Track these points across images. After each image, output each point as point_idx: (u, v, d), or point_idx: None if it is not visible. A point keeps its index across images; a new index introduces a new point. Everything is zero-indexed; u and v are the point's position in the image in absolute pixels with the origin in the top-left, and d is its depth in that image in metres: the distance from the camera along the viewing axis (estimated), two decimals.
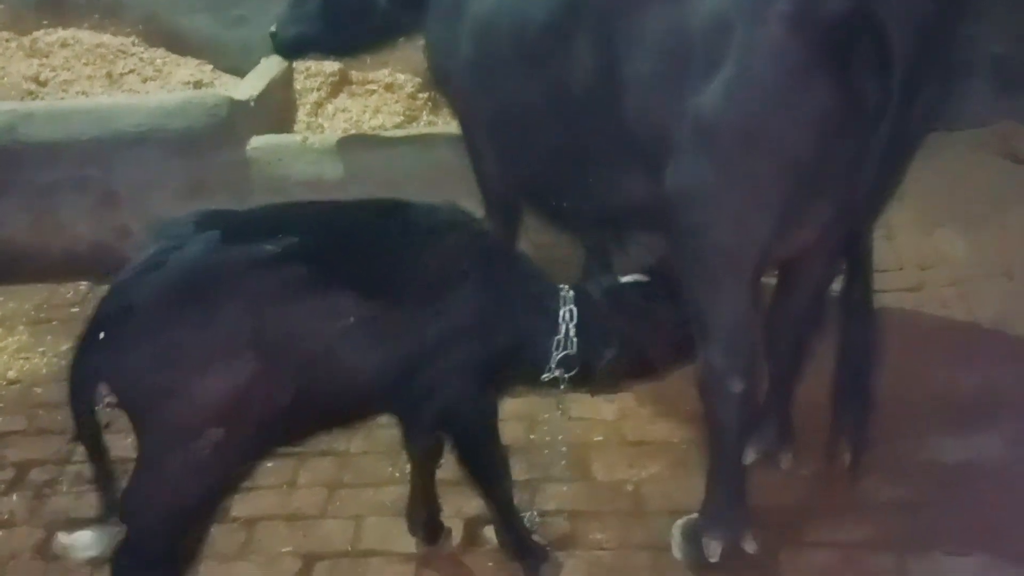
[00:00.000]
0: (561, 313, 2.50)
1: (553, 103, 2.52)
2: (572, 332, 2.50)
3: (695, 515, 2.68)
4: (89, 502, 3.06)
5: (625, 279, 2.60)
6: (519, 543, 2.66)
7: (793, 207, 2.26)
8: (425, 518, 2.77)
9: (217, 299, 2.15)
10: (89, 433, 2.20)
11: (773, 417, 2.93)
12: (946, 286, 3.76)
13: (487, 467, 2.56)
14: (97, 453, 2.23)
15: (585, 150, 2.53)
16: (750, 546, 2.61)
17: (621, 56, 2.29)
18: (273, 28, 4.00)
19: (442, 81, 3.25)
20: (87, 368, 2.15)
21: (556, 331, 2.50)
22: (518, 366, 2.55)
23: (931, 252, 3.98)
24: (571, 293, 2.53)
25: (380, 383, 2.34)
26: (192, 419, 2.12)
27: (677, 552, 2.68)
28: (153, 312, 2.12)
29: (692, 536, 2.64)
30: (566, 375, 2.55)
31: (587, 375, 2.58)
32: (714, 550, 2.59)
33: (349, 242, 2.34)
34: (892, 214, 3.76)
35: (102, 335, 2.13)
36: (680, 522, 2.70)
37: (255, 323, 2.14)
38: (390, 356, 2.31)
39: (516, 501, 2.65)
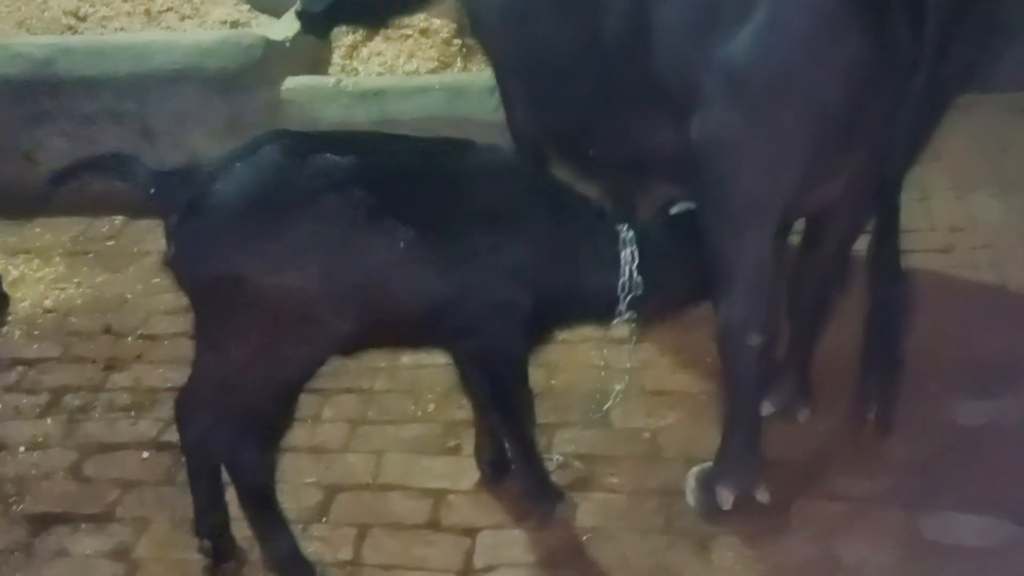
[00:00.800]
0: (623, 255, 2.53)
1: (583, 48, 2.51)
2: (636, 274, 2.52)
3: (710, 463, 2.72)
4: (121, 427, 3.20)
5: (675, 210, 2.61)
6: (536, 484, 2.72)
7: (821, 158, 2.26)
8: (491, 454, 2.84)
9: (303, 203, 2.24)
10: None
11: (792, 372, 2.94)
12: (977, 249, 3.72)
13: (514, 409, 2.61)
14: None
15: (614, 97, 2.52)
16: (762, 496, 2.65)
17: (650, 2, 2.29)
18: (298, 6, 3.65)
19: (475, 25, 3.24)
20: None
21: (619, 275, 2.52)
22: (581, 312, 2.60)
23: (964, 216, 3.94)
24: (631, 233, 2.55)
25: (428, 310, 2.39)
26: (270, 305, 2.22)
27: (691, 499, 2.72)
28: (245, 201, 2.23)
29: (706, 484, 2.68)
30: (636, 315, 2.59)
31: (655, 312, 2.63)
32: (726, 498, 2.63)
33: (418, 171, 2.41)
34: (927, 176, 3.79)
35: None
36: (695, 469, 2.74)
37: (332, 230, 2.24)
38: (442, 285, 2.37)
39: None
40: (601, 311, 2.60)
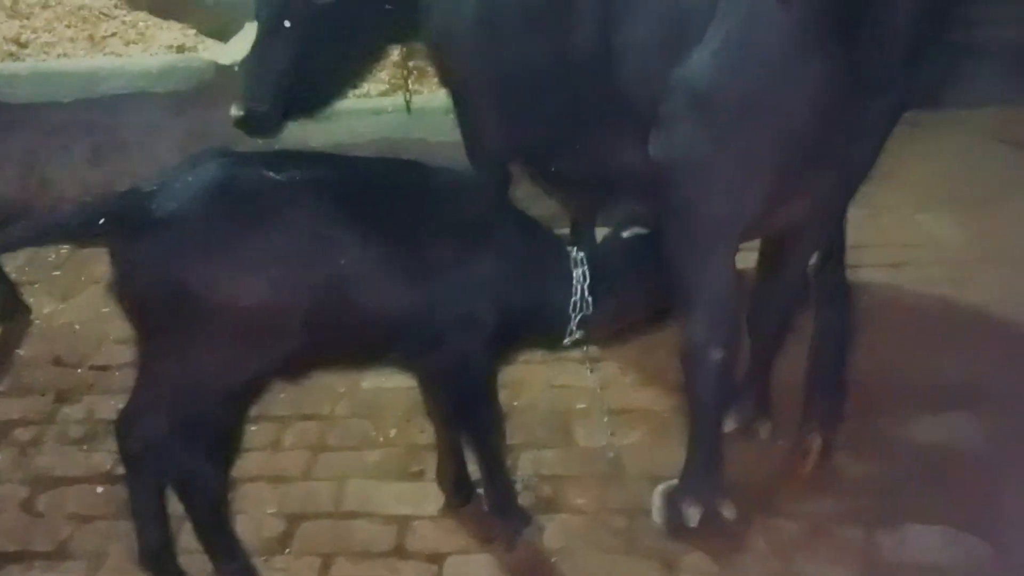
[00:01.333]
0: (575, 275, 2.55)
1: (552, 65, 2.52)
2: (587, 294, 2.55)
3: (675, 481, 2.72)
4: (74, 460, 3.12)
5: (626, 233, 2.65)
6: (504, 505, 2.71)
7: (785, 178, 2.28)
8: (454, 479, 2.82)
9: (257, 211, 2.22)
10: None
11: (752, 390, 2.97)
12: (930, 265, 3.78)
13: (481, 427, 2.60)
14: None
15: (581, 114, 2.54)
16: (729, 512, 2.65)
17: (617, 20, 2.30)
18: (238, 111, 3.21)
19: (442, 43, 3.14)
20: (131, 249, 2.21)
21: (572, 295, 2.55)
22: (537, 332, 2.61)
23: (917, 232, 4.01)
24: (581, 255, 2.58)
25: (391, 323, 2.38)
26: (228, 313, 2.19)
27: (656, 517, 2.71)
28: (201, 210, 2.19)
29: (671, 501, 2.69)
30: (585, 335, 2.61)
31: (604, 332, 2.66)
32: (692, 515, 2.63)
33: (375, 186, 2.41)
34: (880, 192, 3.84)
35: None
36: (661, 487, 2.74)
37: (289, 238, 2.23)
38: (404, 298, 2.36)
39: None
40: (554, 330, 2.63)
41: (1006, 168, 4.32)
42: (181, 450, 2.34)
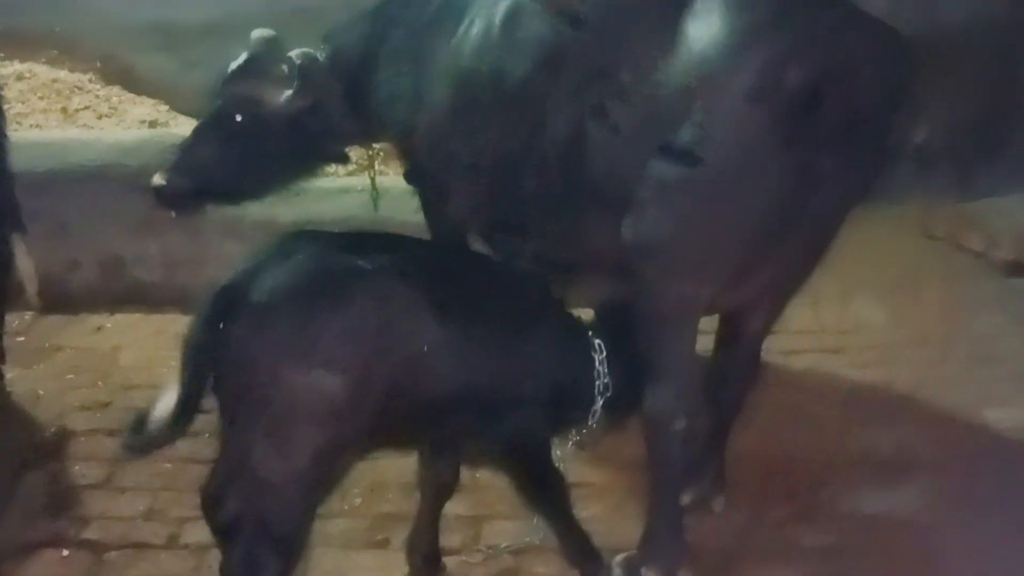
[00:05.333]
0: (597, 360, 2.67)
1: (527, 152, 2.67)
2: (607, 378, 2.67)
3: (634, 551, 2.83)
4: (38, 526, 3.12)
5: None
6: (583, 550, 2.76)
7: (744, 261, 2.48)
8: (425, 551, 2.88)
9: (335, 301, 2.32)
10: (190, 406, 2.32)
11: (708, 464, 3.10)
12: (865, 350, 4.00)
13: (551, 490, 2.69)
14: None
15: (553, 198, 2.68)
16: None
17: (592, 115, 2.49)
18: (159, 180, 3.21)
19: (406, 131, 3.23)
20: (205, 350, 2.29)
21: (597, 378, 2.67)
22: (570, 414, 2.71)
23: (851, 318, 4.24)
24: (598, 340, 2.69)
25: (456, 403, 2.48)
26: (311, 408, 2.27)
27: None
28: (278, 305, 2.28)
29: (631, 569, 2.79)
30: (605, 419, 2.72)
31: (621, 413, 2.76)
32: None
33: (444, 272, 2.56)
34: (817, 282, 4.07)
35: (222, 324, 2.28)
36: (620, 557, 2.84)
37: (367, 326, 2.32)
38: (470, 379, 2.47)
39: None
40: (582, 413, 2.72)
41: (922, 258, 4.63)
42: (250, 542, 2.39)
